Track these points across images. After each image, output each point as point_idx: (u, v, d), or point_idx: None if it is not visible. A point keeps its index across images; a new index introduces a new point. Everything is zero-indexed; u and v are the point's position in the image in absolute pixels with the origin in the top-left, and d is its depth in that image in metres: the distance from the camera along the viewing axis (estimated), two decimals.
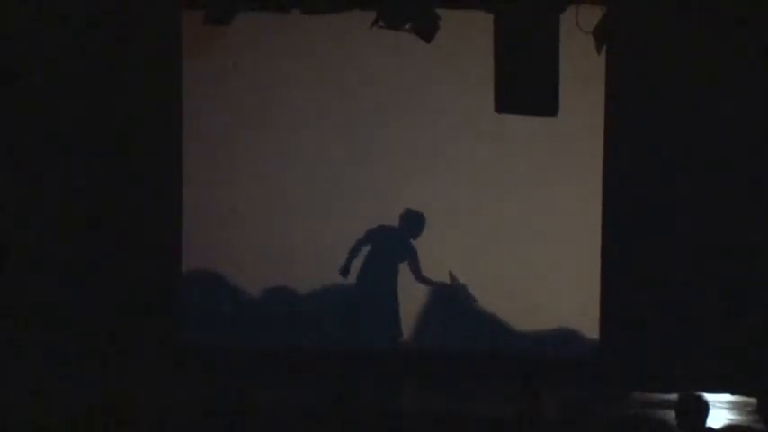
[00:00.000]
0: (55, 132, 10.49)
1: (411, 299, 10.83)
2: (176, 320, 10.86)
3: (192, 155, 10.90)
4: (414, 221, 10.75)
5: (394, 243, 10.77)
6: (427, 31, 9.44)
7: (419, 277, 10.76)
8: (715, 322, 10.23)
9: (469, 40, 10.27)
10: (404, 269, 10.81)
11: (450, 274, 10.69)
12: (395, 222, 10.81)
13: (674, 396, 7.54)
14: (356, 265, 10.81)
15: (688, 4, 9.75)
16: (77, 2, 10.20)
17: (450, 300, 10.83)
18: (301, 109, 10.84)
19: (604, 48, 9.54)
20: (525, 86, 9.20)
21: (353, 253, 10.78)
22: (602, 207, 10.48)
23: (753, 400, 9.96)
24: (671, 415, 7.16)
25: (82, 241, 10.59)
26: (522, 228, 10.69)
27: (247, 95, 10.88)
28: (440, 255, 10.78)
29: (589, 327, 10.56)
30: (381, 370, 10.63)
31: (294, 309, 10.92)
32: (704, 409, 6.99)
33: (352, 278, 10.81)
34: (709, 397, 7.13)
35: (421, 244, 10.79)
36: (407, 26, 9.48)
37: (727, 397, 10.07)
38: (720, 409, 9.71)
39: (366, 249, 10.82)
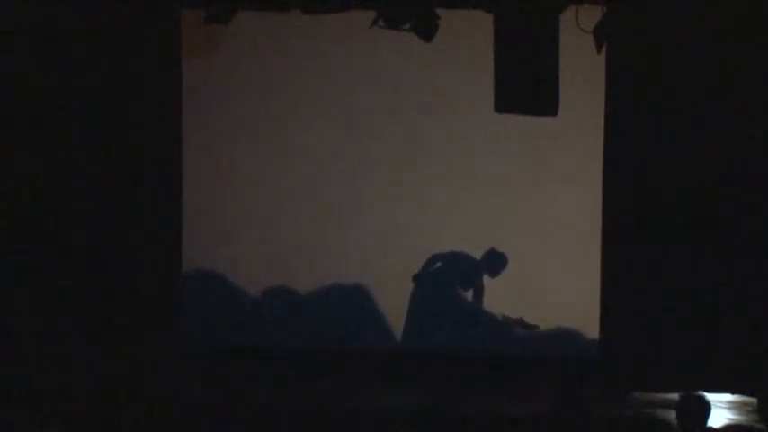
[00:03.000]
0: (54, 132, 10.49)
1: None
2: (176, 320, 10.85)
3: (192, 155, 10.89)
4: (496, 261, 10.74)
5: (468, 272, 10.76)
6: (427, 31, 9.45)
7: (479, 311, 10.74)
8: (715, 322, 10.22)
9: (469, 40, 10.27)
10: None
11: (503, 315, 10.69)
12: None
13: (674, 396, 7.54)
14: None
15: (688, 4, 9.75)
16: (77, 2, 10.19)
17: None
18: (301, 109, 10.84)
19: (604, 47, 9.55)
20: (525, 86, 9.22)
21: (430, 263, 10.79)
22: (602, 207, 10.47)
23: (753, 399, 9.96)
24: (671, 415, 7.16)
25: (82, 241, 10.58)
26: (522, 227, 10.70)
27: (247, 95, 10.88)
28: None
29: (589, 327, 10.56)
30: (381, 370, 10.63)
31: (294, 309, 10.92)
32: (705, 408, 7.00)
33: (344, 279, 10.82)
34: (709, 397, 7.13)
35: (421, 244, 10.79)
36: (407, 26, 9.50)
37: (727, 397, 10.07)
38: (721, 408, 9.71)
39: (439, 264, 10.81)
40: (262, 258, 10.92)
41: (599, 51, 9.46)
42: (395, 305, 10.88)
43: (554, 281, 10.64)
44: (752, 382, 10.03)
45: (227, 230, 10.95)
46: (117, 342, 10.51)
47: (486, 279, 10.85)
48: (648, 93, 10.22)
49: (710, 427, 7.03)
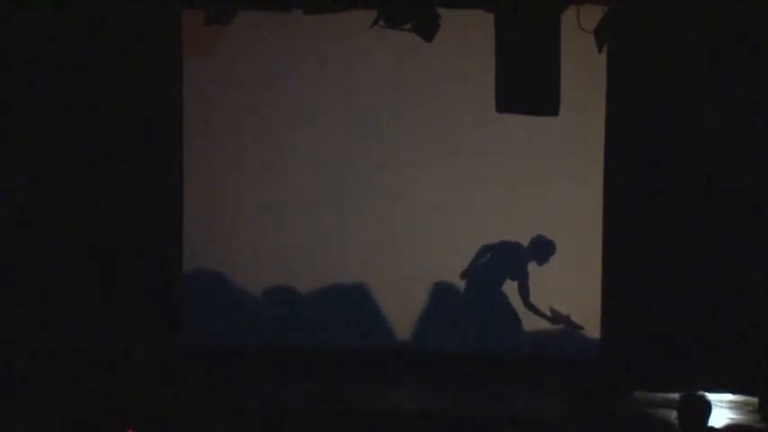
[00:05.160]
0: (55, 132, 10.49)
1: (412, 299, 10.83)
2: (176, 320, 10.86)
3: (192, 154, 10.89)
4: (544, 247, 10.68)
5: (515, 261, 10.72)
6: (428, 31, 9.44)
7: (526, 302, 10.70)
8: (715, 322, 10.23)
9: (470, 40, 10.27)
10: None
11: (551, 308, 10.65)
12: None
13: (675, 396, 7.54)
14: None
15: (688, 4, 9.76)
16: (78, 2, 10.19)
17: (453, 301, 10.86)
18: (301, 109, 10.84)
19: (605, 47, 9.54)
20: (526, 86, 9.21)
21: (477, 259, 10.74)
22: (603, 207, 10.49)
23: (753, 399, 9.96)
24: (672, 414, 7.16)
25: (82, 241, 10.58)
26: (523, 227, 10.69)
27: (247, 95, 10.87)
28: (440, 254, 10.78)
29: (589, 327, 10.57)
30: (381, 370, 10.63)
31: (294, 309, 10.92)
32: (706, 408, 6.99)
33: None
34: (709, 397, 7.13)
35: (421, 243, 10.80)
36: (408, 26, 9.49)
37: (727, 396, 10.08)
38: (721, 408, 9.71)
39: (487, 257, 10.79)
40: (262, 258, 10.92)
41: (600, 51, 9.45)
42: (395, 305, 10.87)
43: (554, 281, 10.65)
44: (752, 382, 10.03)
45: (227, 230, 10.94)
46: (117, 342, 10.51)
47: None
48: (649, 92, 10.24)
49: (711, 427, 7.02)
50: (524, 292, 10.70)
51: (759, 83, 10.11)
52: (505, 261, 10.76)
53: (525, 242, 10.73)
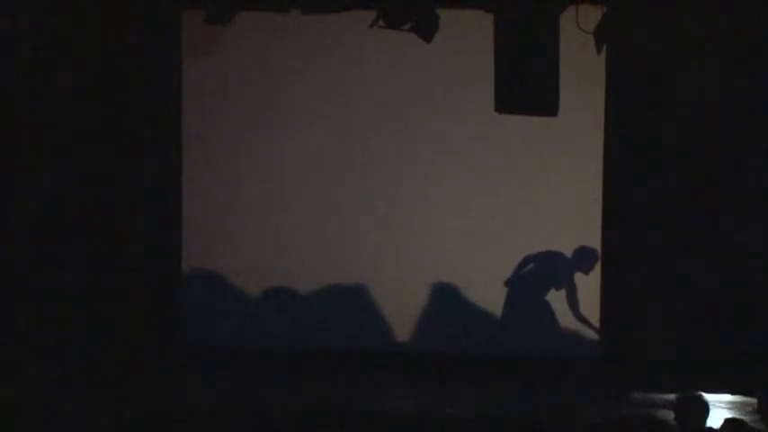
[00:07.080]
0: (55, 132, 10.49)
1: (412, 299, 10.83)
2: (176, 320, 10.86)
3: (192, 155, 10.90)
4: (587, 258, 10.64)
5: (560, 271, 10.71)
6: (427, 31, 9.43)
7: (576, 312, 10.69)
8: (715, 322, 10.23)
9: (469, 40, 10.28)
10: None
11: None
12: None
13: (673, 396, 7.53)
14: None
15: (688, 4, 9.76)
16: (78, 2, 10.20)
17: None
18: (301, 109, 10.84)
19: (604, 47, 9.54)
20: (525, 86, 9.19)
21: (521, 267, 10.73)
22: (603, 207, 10.49)
23: (753, 400, 9.96)
24: (670, 415, 7.15)
25: (82, 241, 10.58)
26: (522, 228, 10.69)
27: (247, 95, 10.88)
28: (440, 255, 10.78)
29: (589, 327, 10.58)
30: (381, 370, 10.63)
31: (294, 309, 10.92)
32: (704, 409, 6.99)
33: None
34: (709, 397, 7.12)
35: (421, 244, 10.79)
36: (407, 26, 9.48)
37: (727, 397, 10.07)
38: (720, 409, 9.71)
39: (531, 266, 10.78)
40: (262, 258, 10.92)
41: (599, 51, 9.44)
42: (395, 305, 10.87)
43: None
44: (752, 382, 10.03)
45: (227, 230, 10.94)
46: (117, 342, 10.51)
47: (486, 277, 10.83)
48: (649, 92, 10.24)
49: (710, 428, 7.02)
50: (572, 301, 10.67)
51: (759, 81, 10.11)
52: (548, 270, 10.72)
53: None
